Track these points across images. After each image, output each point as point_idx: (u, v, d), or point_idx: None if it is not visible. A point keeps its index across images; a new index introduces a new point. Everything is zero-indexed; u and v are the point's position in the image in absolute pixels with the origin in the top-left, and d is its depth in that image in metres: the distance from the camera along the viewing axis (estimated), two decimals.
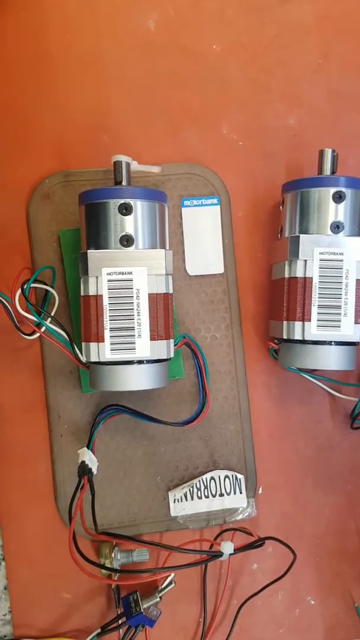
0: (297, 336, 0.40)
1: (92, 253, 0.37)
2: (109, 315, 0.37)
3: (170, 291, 0.39)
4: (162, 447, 0.45)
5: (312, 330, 0.39)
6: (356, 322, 0.39)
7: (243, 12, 0.46)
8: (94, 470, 0.40)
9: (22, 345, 0.44)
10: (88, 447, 0.41)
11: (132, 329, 0.37)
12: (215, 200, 0.45)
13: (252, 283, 0.46)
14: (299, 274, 0.39)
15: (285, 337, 0.41)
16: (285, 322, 0.40)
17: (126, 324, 0.37)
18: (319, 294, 0.39)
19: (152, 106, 0.46)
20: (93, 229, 0.38)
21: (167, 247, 0.40)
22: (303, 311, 0.39)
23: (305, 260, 0.39)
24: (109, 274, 0.37)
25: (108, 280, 0.37)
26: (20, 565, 0.45)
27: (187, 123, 0.46)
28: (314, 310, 0.39)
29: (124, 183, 0.39)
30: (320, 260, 0.39)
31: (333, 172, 0.41)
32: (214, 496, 0.45)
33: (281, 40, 0.46)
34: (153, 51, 0.46)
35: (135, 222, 0.38)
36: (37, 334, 0.41)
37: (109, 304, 0.37)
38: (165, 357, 0.38)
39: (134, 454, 0.45)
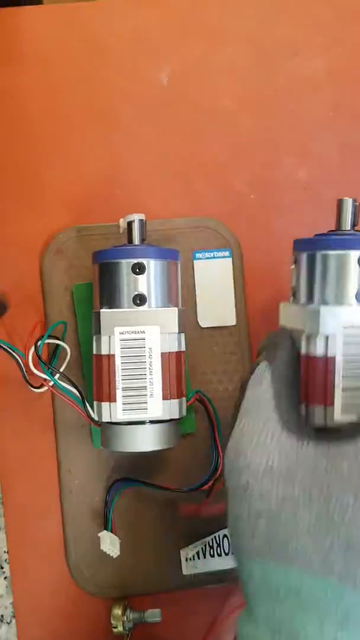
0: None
1: (104, 312, 0.37)
2: (121, 375, 0.37)
3: (183, 349, 0.39)
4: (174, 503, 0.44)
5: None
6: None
7: (254, 66, 0.47)
8: (115, 554, 0.41)
9: (32, 397, 0.44)
10: (107, 529, 0.40)
11: (145, 388, 0.37)
12: (227, 253, 0.45)
13: (265, 335, 0.46)
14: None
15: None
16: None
17: (138, 383, 0.37)
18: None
19: (164, 160, 0.46)
20: (106, 287, 0.38)
21: (180, 305, 0.40)
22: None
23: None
24: (121, 333, 0.37)
25: (120, 340, 0.37)
26: (31, 624, 0.44)
27: (198, 177, 0.46)
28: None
29: (137, 241, 0.39)
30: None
31: (354, 224, 0.36)
32: (227, 554, 0.44)
33: (292, 93, 0.47)
34: (165, 105, 0.46)
35: (148, 281, 0.38)
36: (45, 388, 0.41)
37: (122, 363, 0.37)
38: (177, 417, 0.38)
39: (145, 510, 0.44)
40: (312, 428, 0.31)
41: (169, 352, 0.38)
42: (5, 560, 0.45)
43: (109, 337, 0.37)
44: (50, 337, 0.42)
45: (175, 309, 0.38)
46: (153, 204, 0.45)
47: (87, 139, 0.46)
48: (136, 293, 0.37)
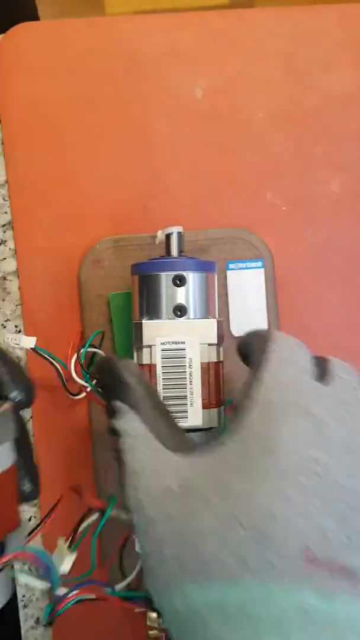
0: None
1: (146, 323, 0.38)
2: (162, 384, 0.38)
3: (222, 359, 0.40)
4: None
5: None
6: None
7: (288, 80, 0.48)
8: None
9: (69, 403, 0.45)
10: None
11: (185, 397, 0.38)
12: (259, 264, 0.46)
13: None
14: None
15: None
16: None
17: (179, 392, 0.38)
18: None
19: (198, 173, 0.47)
20: (147, 299, 0.39)
21: (217, 316, 0.41)
22: None
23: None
24: (162, 343, 0.38)
25: (162, 350, 0.38)
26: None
27: (232, 189, 0.47)
28: None
29: (175, 253, 0.40)
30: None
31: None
32: None
33: (325, 107, 0.48)
34: (199, 119, 0.47)
35: (188, 293, 0.39)
36: (84, 394, 0.42)
37: (163, 373, 0.38)
38: (216, 425, 0.39)
39: None
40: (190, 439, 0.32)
41: (209, 362, 0.39)
42: None
43: (151, 347, 0.38)
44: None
45: (214, 320, 0.39)
46: (187, 215, 0.46)
47: (124, 152, 0.47)
48: (176, 304, 0.39)
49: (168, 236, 0.40)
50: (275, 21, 0.48)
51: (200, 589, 0.23)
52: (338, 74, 0.48)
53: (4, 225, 0.47)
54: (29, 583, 0.31)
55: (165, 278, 0.39)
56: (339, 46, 0.48)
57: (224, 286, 0.46)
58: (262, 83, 0.48)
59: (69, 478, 0.45)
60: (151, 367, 0.38)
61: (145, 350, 0.38)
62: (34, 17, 0.89)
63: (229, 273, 0.46)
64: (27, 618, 0.46)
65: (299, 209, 0.47)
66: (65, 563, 0.33)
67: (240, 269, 0.46)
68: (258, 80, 0.48)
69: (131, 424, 0.29)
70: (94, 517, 0.34)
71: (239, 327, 0.46)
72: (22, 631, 0.46)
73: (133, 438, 0.29)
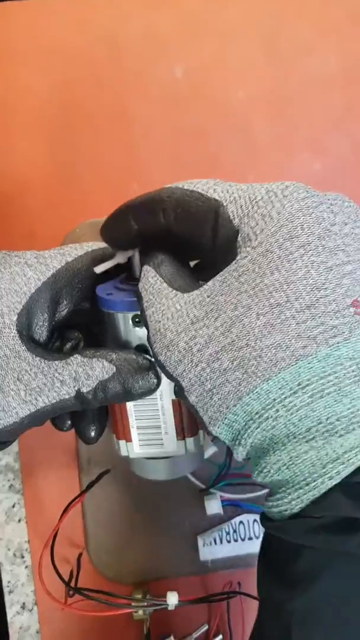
0: None
1: None
2: (135, 417, 0.35)
3: None
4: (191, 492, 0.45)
5: None
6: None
7: (268, 64, 0.47)
8: None
9: None
10: None
11: (159, 427, 0.35)
12: None
13: None
14: None
15: None
16: None
17: (152, 422, 0.35)
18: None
19: (179, 155, 0.47)
20: (109, 334, 0.34)
21: None
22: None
23: None
24: None
25: None
26: (52, 611, 0.45)
27: (212, 171, 0.47)
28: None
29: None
30: None
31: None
32: (242, 540, 0.45)
33: (306, 89, 0.47)
34: (179, 101, 0.47)
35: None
36: None
37: (134, 408, 0.35)
38: (194, 451, 0.36)
39: (162, 497, 0.45)
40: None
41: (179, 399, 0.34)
42: (26, 550, 0.46)
43: None
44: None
45: None
46: None
47: (103, 134, 0.46)
48: (137, 345, 0.33)
49: (129, 259, 0.34)
50: (256, 3, 0.47)
51: (273, 382, 0.24)
52: (320, 57, 0.48)
53: None
54: None
55: (123, 318, 0.33)
56: (320, 29, 0.48)
57: None
58: (242, 65, 0.47)
59: (53, 465, 0.45)
60: (121, 405, 0.35)
61: None
62: None
63: None
64: (12, 604, 0.46)
65: None
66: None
67: None
68: (238, 62, 0.47)
69: (150, 281, 0.29)
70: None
71: None
72: (8, 617, 0.46)
73: (151, 294, 0.28)
